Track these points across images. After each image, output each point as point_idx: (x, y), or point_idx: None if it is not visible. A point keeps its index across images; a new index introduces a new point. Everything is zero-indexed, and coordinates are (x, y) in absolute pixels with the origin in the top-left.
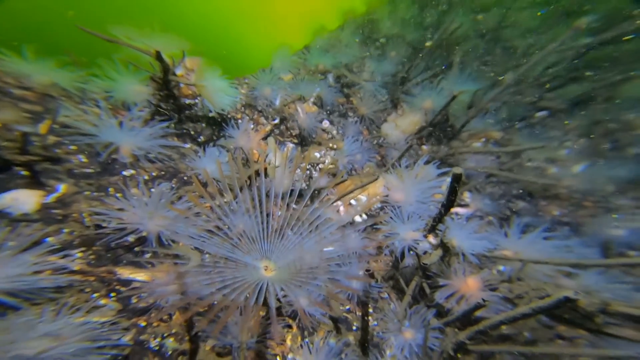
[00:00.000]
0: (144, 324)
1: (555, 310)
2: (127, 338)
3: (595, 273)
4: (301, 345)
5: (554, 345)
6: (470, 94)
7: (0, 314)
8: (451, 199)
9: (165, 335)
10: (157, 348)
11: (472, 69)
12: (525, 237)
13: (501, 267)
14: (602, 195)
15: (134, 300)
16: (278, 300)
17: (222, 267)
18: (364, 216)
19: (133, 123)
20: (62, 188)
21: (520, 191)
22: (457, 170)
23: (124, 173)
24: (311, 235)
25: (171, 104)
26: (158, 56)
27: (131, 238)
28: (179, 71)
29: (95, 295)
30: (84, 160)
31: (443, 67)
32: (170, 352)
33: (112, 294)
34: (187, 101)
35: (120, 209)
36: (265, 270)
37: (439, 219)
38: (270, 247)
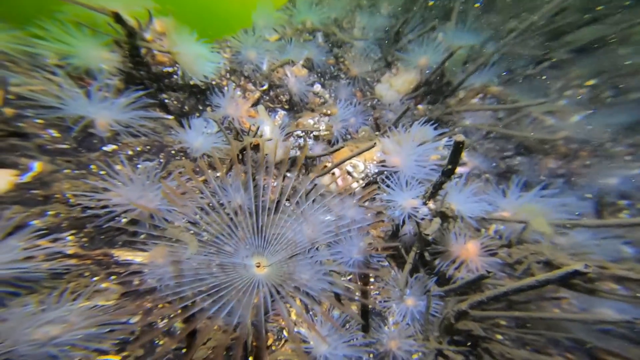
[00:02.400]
0: (149, 305)
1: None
2: (135, 320)
3: (585, 229)
4: (303, 319)
5: (549, 312)
6: (468, 48)
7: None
8: (452, 167)
9: (172, 316)
10: (166, 329)
11: (473, 17)
12: (523, 197)
13: (500, 227)
14: (597, 144)
15: (135, 282)
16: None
17: (215, 261)
18: (362, 183)
19: (104, 93)
20: (37, 166)
21: (517, 146)
22: (459, 137)
23: (105, 149)
24: (307, 208)
25: (146, 72)
26: (118, 18)
27: (123, 219)
28: (148, 35)
29: (95, 278)
30: (56, 135)
31: (440, 19)
32: (179, 332)
33: (113, 277)
34: (165, 69)
35: (107, 189)
36: (258, 267)
37: (439, 186)
38: (263, 242)
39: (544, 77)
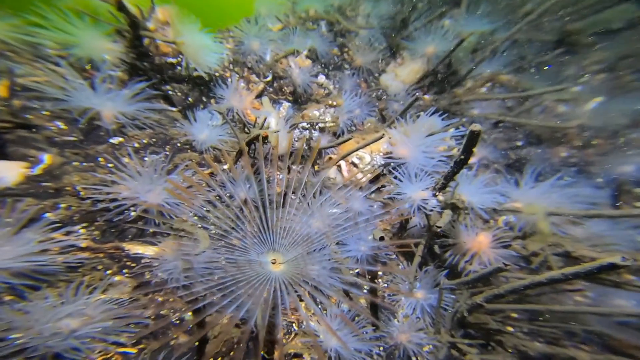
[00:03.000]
0: (161, 299)
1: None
2: (148, 313)
3: (602, 219)
4: (314, 313)
5: (567, 305)
6: (478, 35)
7: (20, 295)
8: (465, 157)
9: (183, 309)
10: (177, 322)
11: (486, 2)
12: (538, 188)
13: (511, 218)
14: (613, 131)
15: (147, 276)
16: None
17: (229, 259)
18: (369, 175)
19: (108, 85)
20: (47, 158)
21: (527, 135)
22: (475, 127)
23: (112, 141)
24: (317, 202)
25: (149, 63)
26: (120, 6)
27: (132, 212)
28: (151, 24)
29: (108, 272)
30: (63, 126)
31: (450, 4)
32: (191, 325)
33: (125, 270)
34: (169, 60)
35: (115, 182)
36: (273, 264)
37: (450, 176)
38: (276, 229)
39: (559, 63)
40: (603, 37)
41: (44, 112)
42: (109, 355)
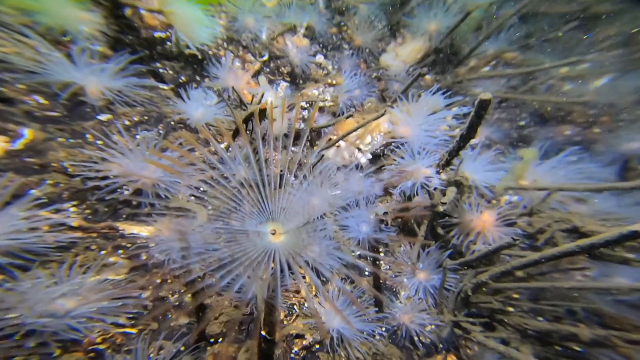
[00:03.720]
0: (159, 280)
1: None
2: (146, 294)
3: (610, 195)
4: (316, 295)
5: (571, 281)
6: (483, 10)
7: (9, 275)
8: (473, 130)
9: (182, 290)
10: (177, 303)
11: None
12: (544, 165)
13: (514, 197)
14: (621, 108)
15: (143, 257)
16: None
17: (227, 232)
18: (369, 155)
19: (87, 58)
20: (28, 133)
21: (531, 114)
22: (486, 95)
23: (99, 117)
24: (314, 180)
25: (135, 37)
26: None
27: (125, 191)
28: None
29: (102, 252)
30: (43, 101)
31: None
32: (191, 306)
33: (120, 251)
34: (157, 34)
35: (106, 160)
36: (273, 234)
37: (455, 152)
38: (274, 206)
39: (569, 39)
40: (618, 10)
41: (18, 85)
42: (109, 335)
